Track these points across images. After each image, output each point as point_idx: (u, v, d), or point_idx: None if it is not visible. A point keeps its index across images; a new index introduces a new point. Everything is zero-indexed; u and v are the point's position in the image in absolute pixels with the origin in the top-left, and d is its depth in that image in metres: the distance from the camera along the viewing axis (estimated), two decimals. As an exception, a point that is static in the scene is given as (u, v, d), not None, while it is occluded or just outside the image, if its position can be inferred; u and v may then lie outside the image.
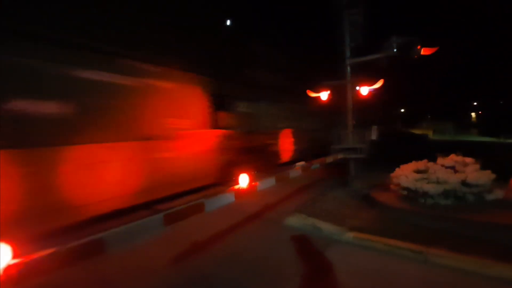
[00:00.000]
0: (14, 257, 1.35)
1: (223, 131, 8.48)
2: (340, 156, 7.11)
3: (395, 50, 6.11)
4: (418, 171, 5.15)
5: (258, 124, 10.69)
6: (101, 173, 5.24)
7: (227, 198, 3.02)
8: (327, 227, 4.53)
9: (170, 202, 6.14)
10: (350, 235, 4.18)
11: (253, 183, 3.54)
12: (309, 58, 14.57)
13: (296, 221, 4.94)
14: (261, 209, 5.82)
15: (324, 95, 7.91)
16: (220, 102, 8.61)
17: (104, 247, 1.66)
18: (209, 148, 7.89)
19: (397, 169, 5.51)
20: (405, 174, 5.12)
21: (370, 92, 7.31)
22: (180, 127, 7.06)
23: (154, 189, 6.13)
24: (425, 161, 5.43)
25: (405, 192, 5.12)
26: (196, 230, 4.58)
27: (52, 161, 4.65)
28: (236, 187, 3.35)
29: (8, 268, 1.32)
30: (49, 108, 4.76)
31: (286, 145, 12.10)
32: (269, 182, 3.89)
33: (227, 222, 5.04)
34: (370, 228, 4.32)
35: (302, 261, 3.66)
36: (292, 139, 12.56)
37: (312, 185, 7.88)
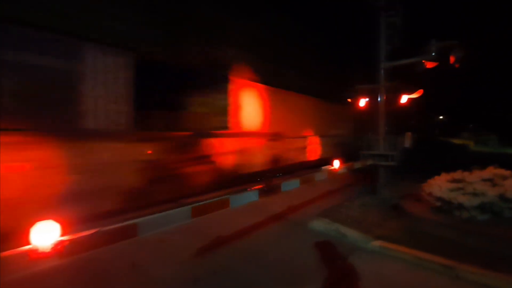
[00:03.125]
0: (62, 234, 1.53)
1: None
2: (369, 162, 6.87)
3: (433, 54, 5.78)
4: (453, 181, 4.84)
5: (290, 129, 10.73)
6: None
7: (251, 196, 3.08)
8: (352, 234, 4.43)
9: (198, 196, 6.37)
10: (376, 244, 4.05)
11: (272, 184, 3.56)
12: (340, 61, 14.25)
13: (320, 225, 4.88)
14: (284, 210, 5.82)
15: (362, 102, 7.68)
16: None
17: (137, 231, 1.81)
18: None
19: (430, 179, 5.22)
20: (439, 184, 4.83)
21: (407, 100, 6.99)
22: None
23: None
24: (461, 171, 5.09)
25: (438, 203, 4.83)
26: (221, 226, 4.72)
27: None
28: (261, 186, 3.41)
29: (56, 243, 1.49)
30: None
31: (314, 149, 11.95)
32: (293, 183, 3.89)
33: (250, 220, 5.12)
34: (398, 239, 4.15)
35: (324, 265, 3.61)
36: (320, 143, 12.37)
37: (338, 190, 7.70)
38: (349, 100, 8.13)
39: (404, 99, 7.05)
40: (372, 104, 7.53)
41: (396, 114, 7.55)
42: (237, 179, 7.80)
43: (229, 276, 3.30)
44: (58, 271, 2.95)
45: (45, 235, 1.51)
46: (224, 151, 7.72)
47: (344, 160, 5.93)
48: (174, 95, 6.91)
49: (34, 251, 1.46)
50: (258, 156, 8.84)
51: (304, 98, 11.78)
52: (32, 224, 1.50)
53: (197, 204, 2.35)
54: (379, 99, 7.09)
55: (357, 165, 6.23)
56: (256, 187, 3.31)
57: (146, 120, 6.07)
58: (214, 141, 7.41)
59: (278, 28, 10.40)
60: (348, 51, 14.26)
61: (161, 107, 6.65)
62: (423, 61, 5.94)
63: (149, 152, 5.53)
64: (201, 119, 7.48)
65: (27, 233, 1.48)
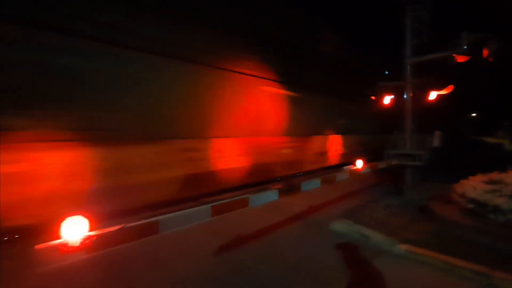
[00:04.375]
0: (90, 229, 1.62)
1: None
2: (394, 162, 6.61)
3: (465, 47, 5.43)
4: (489, 182, 4.52)
5: (313, 128, 10.61)
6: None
7: (271, 196, 3.06)
8: (376, 237, 4.27)
9: (218, 195, 6.46)
10: (402, 248, 3.87)
11: (292, 184, 3.52)
12: (362, 57, 13.83)
13: (342, 226, 4.75)
14: (305, 211, 5.75)
15: (386, 100, 7.41)
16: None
17: (159, 228, 1.86)
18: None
19: (463, 180, 4.92)
20: (473, 185, 4.54)
21: (436, 96, 6.63)
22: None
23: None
24: (497, 172, 4.74)
25: (471, 205, 4.53)
26: (240, 225, 4.76)
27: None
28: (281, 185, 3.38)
29: (85, 238, 1.57)
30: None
31: (335, 148, 11.71)
32: (314, 183, 3.81)
33: (270, 219, 5.11)
34: (425, 242, 3.94)
35: (346, 268, 3.51)
36: (342, 142, 12.09)
37: (361, 190, 7.48)
38: (373, 97, 7.85)
39: (432, 96, 6.70)
40: (397, 101, 7.24)
41: (424, 112, 7.19)
42: (257, 178, 7.83)
43: (248, 275, 3.31)
44: (86, 266, 3.13)
45: (75, 230, 1.60)
46: (247, 151, 7.79)
47: (368, 159, 5.73)
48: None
49: (65, 245, 1.55)
50: (279, 155, 8.81)
51: (325, 96, 11.55)
52: (64, 218, 1.59)
53: (217, 203, 2.38)
54: (405, 96, 6.80)
55: (382, 165, 5.99)
56: (276, 186, 3.28)
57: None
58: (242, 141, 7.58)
59: (295, 24, 10.24)
60: (371, 47, 13.79)
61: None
62: (454, 55, 5.60)
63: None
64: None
65: (59, 227, 1.58)
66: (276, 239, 4.40)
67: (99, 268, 3.32)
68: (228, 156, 7.30)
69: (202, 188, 6.57)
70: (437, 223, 4.71)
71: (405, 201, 6.13)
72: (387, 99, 7.39)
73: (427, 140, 6.63)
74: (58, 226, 1.58)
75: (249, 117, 8.11)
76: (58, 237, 1.57)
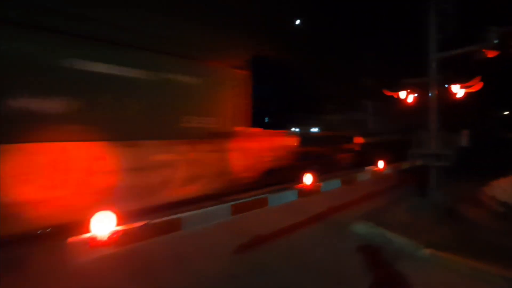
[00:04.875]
0: (117, 225, 1.70)
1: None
2: (418, 162, 6.35)
3: (495, 41, 5.12)
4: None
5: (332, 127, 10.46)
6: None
7: (291, 195, 3.06)
8: (398, 239, 4.14)
9: (237, 195, 6.52)
10: (426, 251, 3.73)
11: (316, 184, 3.48)
12: (381, 53, 13.40)
13: (363, 228, 4.65)
14: (325, 212, 5.68)
15: (403, 95, 7.15)
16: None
17: (181, 226, 1.92)
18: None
19: (493, 181, 4.66)
20: (503, 187, 4.28)
21: (464, 94, 6.31)
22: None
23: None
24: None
25: (501, 209, 4.28)
26: (260, 224, 4.78)
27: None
28: (300, 186, 3.36)
29: (112, 233, 1.66)
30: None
31: (356, 148, 11.45)
32: (334, 184, 3.75)
33: (289, 219, 5.09)
34: (451, 247, 3.76)
35: (367, 271, 3.43)
36: (363, 141, 11.80)
37: (383, 192, 7.27)
38: (394, 95, 7.59)
39: (459, 92, 6.38)
40: (421, 99, 6.96)
41: (451, 110, 6.86)
42: (278, 178, 7.83)
43: (267, 274, 3.32)
44: (112, 259, 3.28)
45: (104, 225, 1.69)
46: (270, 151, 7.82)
47: (390, 159, 5.55)
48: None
49: (94, 239, 1.64)
50: (299, 155, 8.75)
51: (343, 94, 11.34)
52: (94, 214, 1.69)
53: (237, 202, 2.42)
54: (429, 94, 6.52)
55: (405, 165, 5.78)
56: (296, 186, 3.27)
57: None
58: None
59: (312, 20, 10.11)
60: (391, 42, 13.33)
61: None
62: (484, 49, 5.30)
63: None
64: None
65: (89, 222, 1.68)
66: (295, 239, 4.38)
67: (125, 263, 3.48)
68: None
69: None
70: (464, 226, 4.48)
71: (430, 203, 5.87)
72: (409, 97, 7.13)
73: (453, 139, 6.32)
74: (88, 221, 1.68)
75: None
76: (88, 232, 1.67)
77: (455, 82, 6.37)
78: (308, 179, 3.39)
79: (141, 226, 1.75)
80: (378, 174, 4.97)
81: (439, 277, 3.24)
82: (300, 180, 3.45)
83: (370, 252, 3.93)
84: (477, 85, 6.27)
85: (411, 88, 7.20)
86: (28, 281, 3.25)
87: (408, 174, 7.00)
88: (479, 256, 3.40)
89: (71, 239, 1.57)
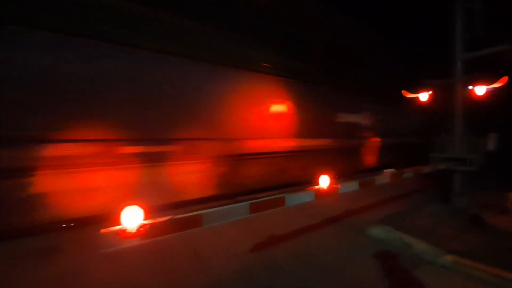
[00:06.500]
0: (144, 219, 1.82)
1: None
2: (441, 166, 6.14)
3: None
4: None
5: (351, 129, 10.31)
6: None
7: (307, 196, 3.08)
8: (418, 245, 4.03)
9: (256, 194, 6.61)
10: (448, 258, 3.62)
11: (334, 186, 3.47)
12: (404, 54, 12.99)
13: (381, 232, 4.57)
14: (341, 214, 5.63)
15: (424, 96, 6.94)
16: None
17: (201, 222, 2.02)
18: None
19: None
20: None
21: (487, 92, 6.01)
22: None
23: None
24: None
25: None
26: (275, 224, 4.84)
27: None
28: (317, 187, 3.37)
29: (140, 226, 1.78)
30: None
31: (375, 150, 11.20)
32: (351, 186, 3.72)
33: (305, 221, 5.10)
34: (475, 254, 3.64)
35: (386, 276, 3.38)
36: (382, 144, 11.52)
37: (403, 196, 7.08)
38: (417, 97, 7.35)
39: (486, 94, 6.10)
40: (445, 100, 6.71)
41: (477, 112, 6.57)
42: (294, 179, 7.83)
43: (281, 274, 3.36)
44: (139, 251, 3.47)
45: (132, 218, 1.81)
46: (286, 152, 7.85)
47: (411, 163, 5.40)
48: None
49: (123, 231, 1.76)
50: (315, 157, 8.70)
51: (362, 96, 11.10)
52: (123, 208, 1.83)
53: (255, 200, 2.49)
54: (455, 95, 6.28)
55: (426, 169, 5.61)
56: (312, 187, 3.28)
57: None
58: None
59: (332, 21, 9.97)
60: (414, 42, 12.89)
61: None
62: None
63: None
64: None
65: (119, 215, 1.82)
66: (311, 241, 4.39)
67: (149, 255, 3.71)
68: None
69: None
70: (489, 234, 4.30)
71: (453, 209, 5.67)
72: (424, 96, 6.90)
73: (480, 142, 6.05)
74: (119, 214, 1.81)
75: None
76: (118, 224, 1.80)
77: (482, 83, 6.10)
78: (325, 181, 3.40)
79: (165, 220, 1.86)
80: (398, 177, 4.87)
81: (460, 286, 3.14)
82: (317, 181, 3.46)
83: (388, 256, 3.86)
84: (501, 80, 5.96)
85: (434, 89, 6.97)
86: (64, 265, 3.56)
87: (429, 178, 6.78)
88: (504, 265, 3.27)
89: (103, 230, 1.71)
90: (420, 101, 7.34)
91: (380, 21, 11.62)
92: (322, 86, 9.15)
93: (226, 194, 6.46)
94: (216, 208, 2.17)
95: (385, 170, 4.65)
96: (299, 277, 3.29)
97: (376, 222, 4.89)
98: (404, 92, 7.84)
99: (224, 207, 2.22)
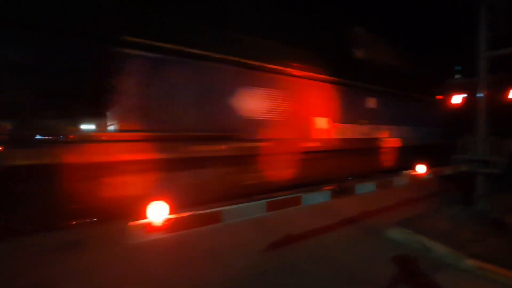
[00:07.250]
0: (169, 213, 1.94)
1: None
2: (463, 168, 5.94)
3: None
4: None
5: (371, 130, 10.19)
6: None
7: (324, 196, 3.10)
8: (439, 249, 3.94)
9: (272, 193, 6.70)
10: (470, 263, 3.52)
11: (345, 186, 3.47)
12: (427, 52, 12.61)
13: (399, 234, 4.50)
14: (358, 215, 5.58)
15: (456, 99, 6.74)
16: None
17: (221, 218, 2.11)
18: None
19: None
20: None
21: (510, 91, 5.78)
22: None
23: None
24: None
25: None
26: (291, 224, 4.87)
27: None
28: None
29: (165, 220, 1.89)
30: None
31: (393, 151, 10.95)
32: (368, 187, 3.69)
33: (321, 221, 5.10)
34: (498, 259, 3.52)
35: (404, 279, 3.33)
36: (402, 145, 11.25)
37: (422, 198, 6.91)
38: (439, 96, 7.15)
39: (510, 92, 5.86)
40: (469, 100, 6.51)
41: (502, 112, 6.32)
42: (311, 179, 7.83)
43: (296, 274, 3.39)
44: (163, 243, 3.63)
45: (158, 212, 1.93)
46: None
47: (431, 164, 5.26)
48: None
49: (149, 224, 1.88)
50: (333, 157, 8.64)
51: (381, 94, 10.87)
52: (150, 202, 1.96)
53: (272, 199, 2.56)
54: (478, 95, 6.07)
55: (447, 170, 5.45)
56: (329, 187, 3.30)
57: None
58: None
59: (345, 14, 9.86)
60: (436, 40, 12.49)
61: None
62: None
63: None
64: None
65: (145, 209, 1.96)
66: (327, 242, 4.38)
67: (170, 251, 3.90)
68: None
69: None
70: (514, 239, 4.14)
71: (475, 213, 5.48)
72: (456, 98, 6.69)
73: (504, 144, 5.81)
74: (145, 208, 1.93)
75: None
76: (145, 217, 1.92)
77: (508, 82, 5.86)
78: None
79: (188, 216, 1.96)
80: (417, 179, 4.77)
81: (482, 290, 3.06)
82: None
83: (406, 259, 3.80)
84: None
85: (459, 89, 6.77)
86: (93, 255, 3.83)
87: (451, 180, 6.58)
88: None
89: (131, 223, 1.83)
90: (445, 101, 7.14)
91: (406, 22, 11.39)
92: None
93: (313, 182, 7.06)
94: (235, 205, 2.25)
95: (403, 171, 4.57)
96: (314, 279, 3.31)
97: (394, 224, 4.81)
98: (432, 92, 7.64)
99: (242, 204, 2.30)
